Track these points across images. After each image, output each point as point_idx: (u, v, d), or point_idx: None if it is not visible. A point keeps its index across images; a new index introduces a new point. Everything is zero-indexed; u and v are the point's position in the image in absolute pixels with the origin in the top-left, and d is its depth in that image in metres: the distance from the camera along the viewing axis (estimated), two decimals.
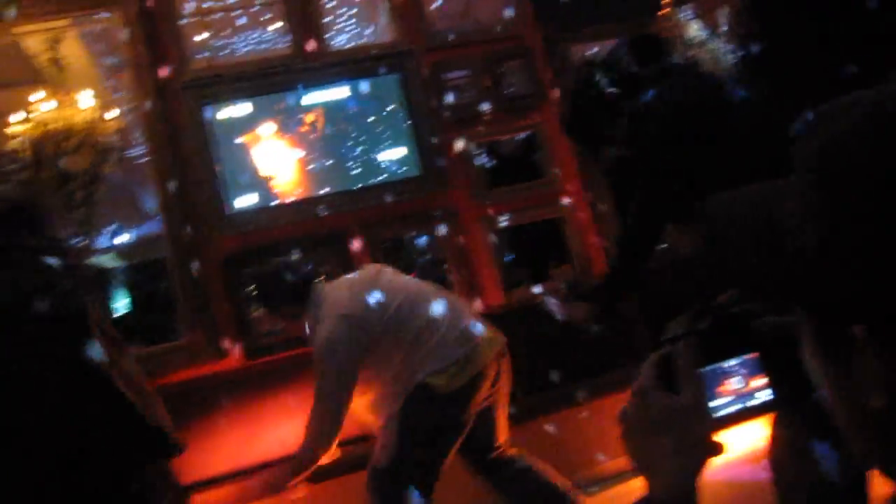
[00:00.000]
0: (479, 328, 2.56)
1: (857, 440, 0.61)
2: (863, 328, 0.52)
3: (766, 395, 0.75)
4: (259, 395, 3.69)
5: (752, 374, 0.75)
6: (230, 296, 4.03)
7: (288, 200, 4.25)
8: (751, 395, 0.74)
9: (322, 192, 4.30)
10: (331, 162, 4.37)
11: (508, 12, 4.77)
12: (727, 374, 0.74)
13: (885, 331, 0.51)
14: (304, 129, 4.37)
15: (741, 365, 0.74)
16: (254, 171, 4.25)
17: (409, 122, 4.44)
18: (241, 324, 4.04)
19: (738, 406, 0.74)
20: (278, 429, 3.64)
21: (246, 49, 5.44)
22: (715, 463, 0.69)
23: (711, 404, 0.72)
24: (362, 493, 2.55)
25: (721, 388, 0.74)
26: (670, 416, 0.70)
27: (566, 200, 4.60)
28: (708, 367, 0.73)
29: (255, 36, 5.37)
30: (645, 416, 0.71)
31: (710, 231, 0.65)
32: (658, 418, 0.70)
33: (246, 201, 4.18)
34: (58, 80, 4.47)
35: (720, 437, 0.70)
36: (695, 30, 4.67)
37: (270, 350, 4.03)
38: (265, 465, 3.50)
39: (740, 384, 0.74)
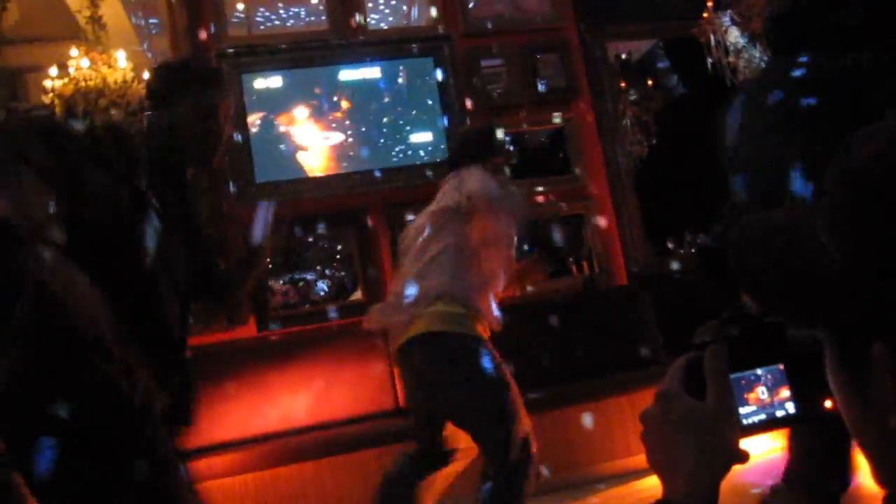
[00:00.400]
0: (406, 315, 2.43)
1: (878, 461, 0.61)
2: (882, 347, 0.52)
3: (790, 408, 0.75)
4: (269, 367, 3.72)
5: (778, 385, 0.75)
6: None
7: (313, 175, 4.27)
8: (776, 405, 0.74)
9: (348, 169, 4.31)
10: (359, 141, 4.37)
11: (547, 5, 4.74)
12: (755, 382, 0.74)
13: None
14: (335, 106, 4.38)
15: (768, 375, 0.74)
16: (282, 144, 4.26)
17: (440, 106, 4.44)
18: (257, 295, 4.07)
19: (763, 416, 0.74)
20: (285, 401, 3.67)
21: (284, 22, 5.45)
22: (737, 470, 0.70)
23: (740, 411, 0.72)
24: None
25: (748, 396, 0.73)
26: (694, 419, 0.70)
27: (590, 198, 4.58)
28: (736, 374, 0.73)
29: (293, 10, 5.38)
30: (668, 418, 0.71)
31: (732, 255, 0.65)
32: (682, 421, 0.70)
33: (272, 173, 4.20)
34: (96, 39, 4.50)
35: (745, 444, 0.70)
36: (734, 36, 4.63)
37: (283, 322, 4.06)
38: (270, 436, 3.53)
39: (766, 394, 0.74)
